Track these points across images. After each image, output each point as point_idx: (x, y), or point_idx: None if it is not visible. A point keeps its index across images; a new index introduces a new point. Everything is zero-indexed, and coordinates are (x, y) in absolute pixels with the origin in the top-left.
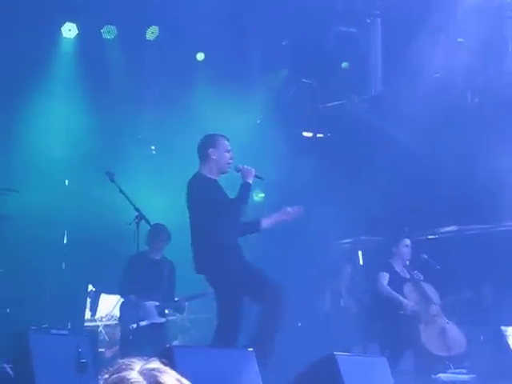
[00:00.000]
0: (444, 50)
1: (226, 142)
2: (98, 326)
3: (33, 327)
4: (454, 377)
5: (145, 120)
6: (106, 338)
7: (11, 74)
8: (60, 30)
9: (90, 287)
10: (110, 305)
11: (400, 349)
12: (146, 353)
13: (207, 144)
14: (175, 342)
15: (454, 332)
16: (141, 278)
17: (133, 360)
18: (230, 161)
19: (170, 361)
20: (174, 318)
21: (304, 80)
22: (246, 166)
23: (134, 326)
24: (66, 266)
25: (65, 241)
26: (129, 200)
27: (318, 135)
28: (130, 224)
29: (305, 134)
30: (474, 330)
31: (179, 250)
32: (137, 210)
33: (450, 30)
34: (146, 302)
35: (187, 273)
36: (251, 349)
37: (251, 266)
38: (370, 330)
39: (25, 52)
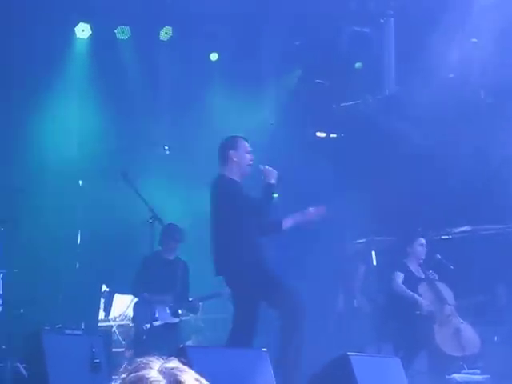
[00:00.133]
0: (459, 48)
1: (246, 143)
2: (112, 326)
3: (46, 327)
4: (468, 377)
5: (158, 120)
6: (120, 338)
7: (25, 75)
8: (74, 31)
9: (104, 287)
10: (123, 305)
11: (414, 349)
12: (159, 353)
13: (228, 146)
14: (189, 342)
15: (469, 332)
16: (154, 278)
17: (150, 359)
18: (251, 162)
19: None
20: (188, 318)
21: (317, 80)
22: (267, 167)
23: (148, 326)
24: (79, 266)
25: (79, 241)
26: (143, 200)
27: (332, 135)
28: (150, 222)
29: (318, 134)
30: (489, 330)
31: (192, 250)
32: (151, 210)
33: (464, 28)
34: (160, 302)
35: (200, 272)
36: (265, 349)
37: (272, 271)
38: (384, 330)
39: (39, 52)
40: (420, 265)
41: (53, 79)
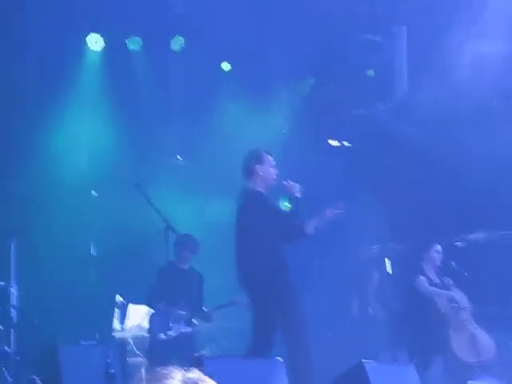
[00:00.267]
0: (471, 53)
1: (270, 157)
2: (127, 337)
3: (61, 338)
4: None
5: (170, 130)
6: (135, 348)
7: (38, 86)
8: (85, 42)
9: (118, 297)
10: (138, 315)
11: (429, 355)
12: (174, 362)
13: (253, 160)
14: (203, 352)
15: (484, 338)
16: (169, 288)
17: (170, 369)
18: (275, 176)
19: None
20: (202, 327)
21: (329, 89)
22: (290, 182)
23: (163, 335)
24: (93, 277)
25: (92, 252)
26: (157, 210)
27: (344, 143)
28: (167, 232)
29: (331, 142)
30: (504, 336)
31: (205, 261)
32: (165, 220)
33: (476, 32)
34: (175, 312)
35: (212, 282)
36: (280, 358)
37: (293, 288)
38: (399, 336)
39: (51, 64)
40: (436, 271)
41: (65, 90)
